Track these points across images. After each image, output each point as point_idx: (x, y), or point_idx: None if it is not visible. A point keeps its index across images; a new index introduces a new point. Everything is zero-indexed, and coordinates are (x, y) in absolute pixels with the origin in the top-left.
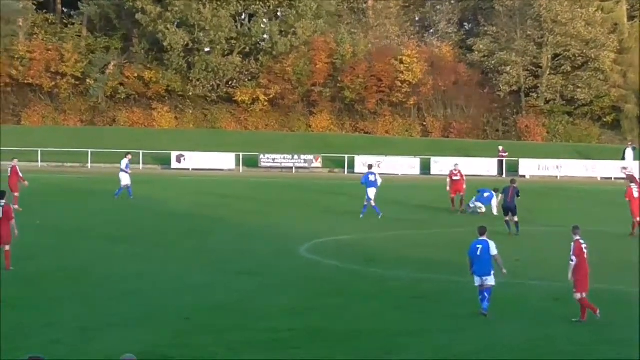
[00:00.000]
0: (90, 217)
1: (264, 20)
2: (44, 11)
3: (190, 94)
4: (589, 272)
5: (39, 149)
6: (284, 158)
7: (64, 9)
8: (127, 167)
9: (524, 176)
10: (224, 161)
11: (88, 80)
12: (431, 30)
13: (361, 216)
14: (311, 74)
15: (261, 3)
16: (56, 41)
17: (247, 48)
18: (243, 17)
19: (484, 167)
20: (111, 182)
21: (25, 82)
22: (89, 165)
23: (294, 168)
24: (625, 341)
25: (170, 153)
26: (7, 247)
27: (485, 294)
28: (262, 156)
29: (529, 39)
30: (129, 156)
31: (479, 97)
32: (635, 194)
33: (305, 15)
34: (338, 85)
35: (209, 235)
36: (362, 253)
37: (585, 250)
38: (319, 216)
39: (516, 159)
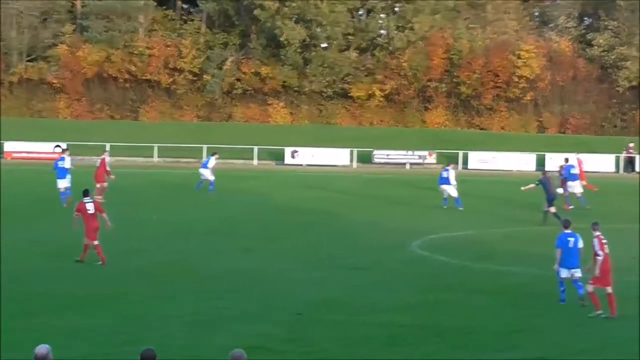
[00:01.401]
0: (203, 213)
1: (381, 15)
2: (164, 8)
3: (306, 89)
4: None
5: (156, 145)
6: (397, 154)
7: (183, 5)
8: (206, 164)
9: None
10: (338, 157)
11: (205, 76)
12: (550, 25)
13: (444, 206)
14: (427, 69)
15: None
16: (175, 37)
17: (364, 43)
18: (360, 12)
19: (602, 163)
20: (226, 177)
21: (144, 77)
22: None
23: (407, 164)
24: None
25: (284, 149)
26: (97, 242)
27: (578, 283)
28: (375, 152)
29: None
30: (216, 155)
31: (598, 93)
32: None
33: (423, 11)
34: (454, 80)
35: (321, 231)
36: (475, 249)
37: (605, 246)
38: (432, 212)
39: (636, 155)
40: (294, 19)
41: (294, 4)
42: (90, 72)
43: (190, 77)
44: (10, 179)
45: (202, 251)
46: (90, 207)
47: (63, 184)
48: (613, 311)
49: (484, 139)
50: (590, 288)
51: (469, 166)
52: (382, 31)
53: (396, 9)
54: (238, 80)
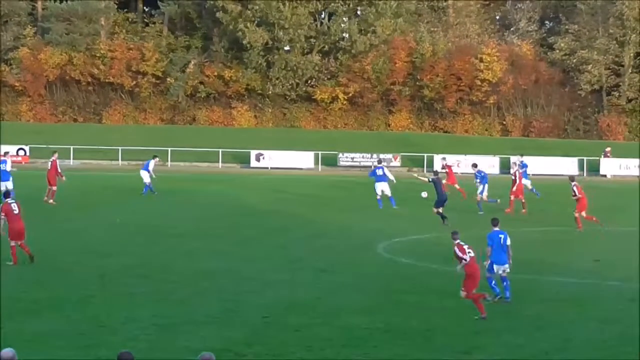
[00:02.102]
0: (169, 215)
1: (344, 18)
2: (125, 10)
3: (270, 92)
4: None
5: (120, 148)
6: (362, 157)
7: (145, 8)
8: (147, 166)
9: (605, 175)
10: (303, 160)
11: (168, 79)
12: (512, 29)
13: (380, 207)
14: (390, 73)
15: (341, 1)
16: (137, 40)
17: (327, 47)
18: (322, 15)
19: (564, 166)
20: (191, 180)
21: (107, 81)
22: (169, 163)
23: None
24: None
25: (249, 152)
26: (23, 241)
27: (506, 282)
28: (341, 155)
29: (611, 37)
30: (156, 159)
31: (560, 96)
32: None
33: (385, 14)
34: (417, 83)
35: (287, 233)
36: (439, 252)
37: (468, 251)
38: (397, 215)
39: (597, 158)
40: (256, 21)
41: (256, 7)
42: (52, 75)
43: (153, 80)
44: None
45: (168, 253)
46: (15, 208)
47: (6, 185)
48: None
49: (448, 142)
50: (463, 294)
51: (434, 169)
52: (344, 34)
53: (358, 12)
54: (201, 83)
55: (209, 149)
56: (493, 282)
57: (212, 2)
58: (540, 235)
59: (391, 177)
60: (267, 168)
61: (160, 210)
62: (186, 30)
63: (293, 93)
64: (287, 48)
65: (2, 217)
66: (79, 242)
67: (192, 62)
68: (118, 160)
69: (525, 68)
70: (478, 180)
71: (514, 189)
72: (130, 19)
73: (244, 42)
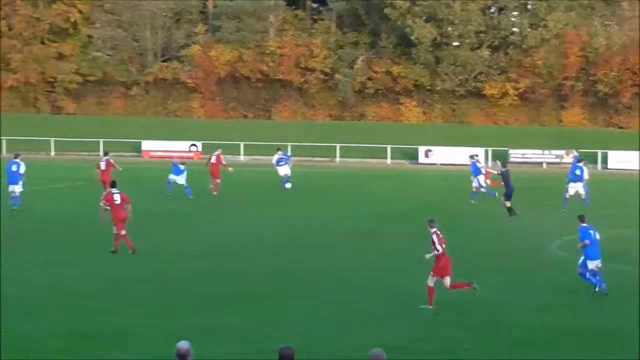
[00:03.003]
0: (341, 212)
1: (514, 13)
2: (294, 7)
3: (438, 88)
4: None
5: (289, 144)
6: (534, 153)
7: (313, 5)
8: (280, 160)
9: None
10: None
11: (337, 76)
12: None
13: (564, 207)
14: (562, 68)
15: None
16: (306, 37)
17: (496, 41)
18: (492, 10)
19: None
20: (359, 176)
21: (276, 77)
22: (337, 159)
23: (544, 163)
24: None
25: (417, 148)
26: (124, 232)
27: (598, 276)
28: (511, 151)
29: None
30: (280, 152)
31: None
32: None
33: (557, 8)
34: (590, 78)
35: (461, 231)
36: (615, 251)
37: (444, 241)
38: (570, 212)
39: None
40: (424, 17)
41: (425, 3)
42: (223, 71)
43: (321, 76)
44: (147, 178)
45: (341, 250)
46: (117, 198)
47: (14, 188)
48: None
49: (624, 138)
50: (430, 281)
51: (609, 166)
52: (514, 29)
53: (529, 6)
54: (369, 79)
55: (377, 145)
56: (588, 274)
57: None
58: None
59: (587, 176)
60: (436, 164)
61: (330, 206)
62: (354, 26)
63: (462, 88)
64: (456, 43)
65: (105, 205)
66: (254, 238)
67: (360, 58)
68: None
69: None
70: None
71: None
72: (298, 16)
73: (412, 37)
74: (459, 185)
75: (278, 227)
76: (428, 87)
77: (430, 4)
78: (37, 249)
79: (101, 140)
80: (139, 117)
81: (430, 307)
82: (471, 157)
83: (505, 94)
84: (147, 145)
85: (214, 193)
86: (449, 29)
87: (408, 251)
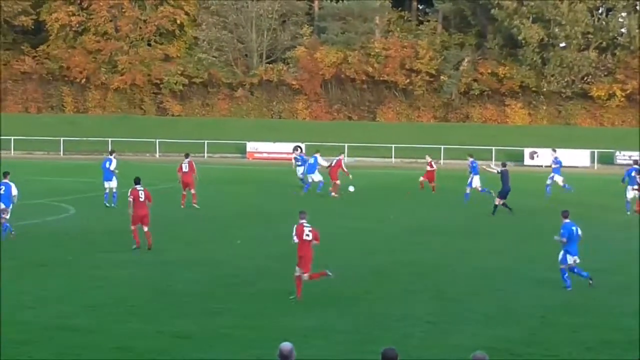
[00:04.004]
0: (443, 212)
1: (622, 14)
2: (400, 9)
3: (545, 89)
4: None
5: (393, 145)
6: None
7: (419, 6)
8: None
9: None
10: (578, 158)
11: (442, 77)
12: None
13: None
14: None
15: None
16: (411, 38)
17: (604, 43)
18: (600, 11)
19: None
20: (461, 178)
21: (381, 79)
22: (441, 161)
23: None
24: None
25: (523, 149)
26: (146, 228)
27: (577, 270)
28: (617, 153)
29: None
30: (318, 154)
31: None
32: None
33: None
34: None
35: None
36: None
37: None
38: None
39: None
40: (531, 18)
41: (533, 3)
42: (327, 73)
43: (427, 77)
44: (252, 179)
45: (440, 251)
46: (142, 195)
47: (109, 184)
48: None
49: None
50: (298, 272)
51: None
52: (622, 30)
53: (638, 7)
54: (475, 80)
55: (482, 146)
56: (566, 274)
57: None
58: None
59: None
60: (541, 166)
61: (433, 207)
62: (460, 27)
63: (568, 90)
64: (563, 44)
65: (130, 200)
66: (352, 238)
67: (466, 60)
68: (391, 158)
69: None
70: (470, 171)
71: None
72: (404, 17)
73: (519, 38)
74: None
75: (376, 228)
76: (534, 89)
77: (537, 5)
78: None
79: (206, 142)
80: (243, 119)
81: (298, 298)
82: (470, 155)
83: (612, 96)
84: (251, 146)
85: (334, 195)
86: (556, 29)
87: (504, 252)
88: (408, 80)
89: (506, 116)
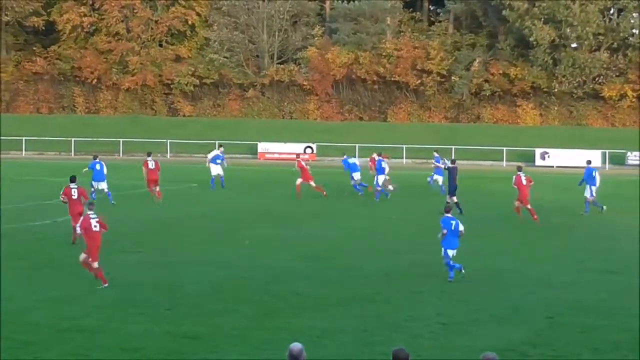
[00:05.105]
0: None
1: (633, 14)
2: (411, 10)
3: (556, 90)
4: None
5: (404, 146)
6: None
7: (430, 7)
8: (216, 158)
9: None
10: (590, 159)
11: (453, 78)
12: None
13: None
14: None
15: None
16: (422, 39)
17: (615, 43)
18: (612, 11)
19: None
20: (474, 178)
21: (392, 79)
22: None
23: None
24: None
25: (534, 150)
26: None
27: (453, 263)
28: (629, 154)
29: None
30: (221, 148)
31: None
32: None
33: None
34: None
35: (573, 233)
36: None
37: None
38: None
39: None
40: (542, 19)
41: (544, 4)
42: (339, 74)
43: (438, 78)
44: (263, 179)
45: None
46: (75, 193)
47: (99, 185)
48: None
49: None
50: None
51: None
52: (634, 30)
53: None
54: (486, 81)
55: (493, 147)
56: (450, 262)
57: (498, 0)
58: None
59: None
60: (553, 167)
61: (435, 207)
62: (471, 28)
63: (580, 91)
64: (574, 45)
65: (63, 198)
66: (365, 239)
67: (477, 60)
68: (402, 158)
69: None
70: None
71: None
72: (415, 18)
73: (530, 39)
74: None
75: (383, 229)
76: (545, 89)
77: (549, 5)
78: (151, 250)
79: (217, 142)
80: (255, 119)
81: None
82: (436, 151)
83: (623, 96)
84: (262, 147)
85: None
86: (568, 30)
87: (511, 252)
88: (419, 81)
89: (517, 117)
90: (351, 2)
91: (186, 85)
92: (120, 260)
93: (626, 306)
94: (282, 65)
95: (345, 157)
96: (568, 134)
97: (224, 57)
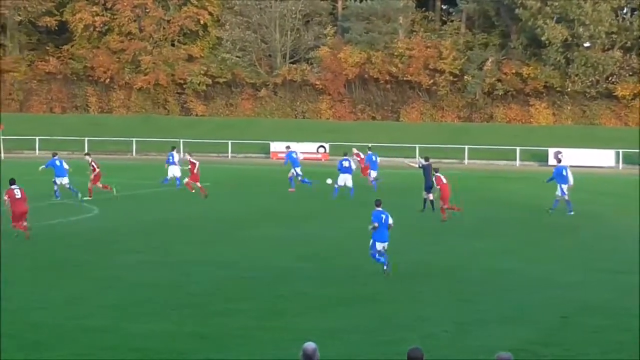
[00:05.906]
0: (465, 213)
1: None
2: (423, 9)
3: (569, 89)
4: None
5: (417, 145)
6: None
7: (442, 6)
8: (173, 159)
9: None
10: (603, 158)
11: (466, 77)
12: None
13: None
14: None
15: None
16: (435, 38)
17: (629, 42)
18: (625, 10)
19: None
20: (486, 178)
21: (404, 79)
22: (466, 161)
23: None
24: None
25: (547, 150)
26: (26, 223)
27: (385, 257)
28: None
29: None
30: (174, 150)
31: None
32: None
33: None
34: None
35: (583, 233)
36: None
37: None
38: None
39: None
40: (555, 18)
41: (556, 3)
42: (351, 73)
43: (450, 78)
44: (275, 179)
45: (451, 252)
46: (18, 193)
47: (62, 180)
48: None
49: None
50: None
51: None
52: None
53: None
54: (499, 80)
55: (506, 146)
56: (377, 255)
57: None
58: None
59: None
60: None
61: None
62: (484, 27)
63: (593, 90)
64: (587, 44)
65: (6, 200)
66: (365, 239)
67: (490, 60)
68: (415, 158)
69: None
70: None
71: None
72: (428, 17)
73: (543, 38)
74: (590, 187)
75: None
76: (558, 89)
77: (561, 5)
78: (152, 250)
79: (229, 142)
80: (267, 119)
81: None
82: (369, 149)
83: (637, 95)
84: (275, 146)
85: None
86: (580, 29)
87: (515, 252)
88: (432, 81)
89: (530, 116)
90: (363, 1)
91: (198, 84)
92: (122, 260)
93: (634, 305)
94: (294, 65)
95: (289, 150)
96: (581, 134)
97: (237, 56)
